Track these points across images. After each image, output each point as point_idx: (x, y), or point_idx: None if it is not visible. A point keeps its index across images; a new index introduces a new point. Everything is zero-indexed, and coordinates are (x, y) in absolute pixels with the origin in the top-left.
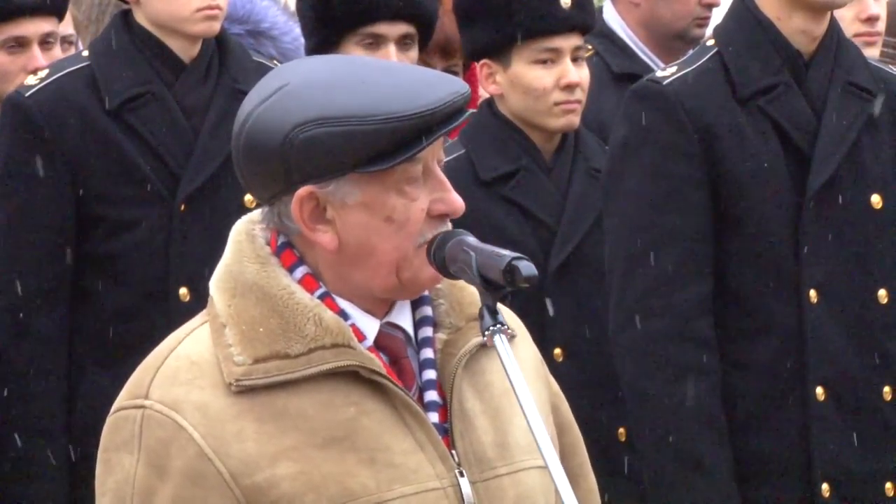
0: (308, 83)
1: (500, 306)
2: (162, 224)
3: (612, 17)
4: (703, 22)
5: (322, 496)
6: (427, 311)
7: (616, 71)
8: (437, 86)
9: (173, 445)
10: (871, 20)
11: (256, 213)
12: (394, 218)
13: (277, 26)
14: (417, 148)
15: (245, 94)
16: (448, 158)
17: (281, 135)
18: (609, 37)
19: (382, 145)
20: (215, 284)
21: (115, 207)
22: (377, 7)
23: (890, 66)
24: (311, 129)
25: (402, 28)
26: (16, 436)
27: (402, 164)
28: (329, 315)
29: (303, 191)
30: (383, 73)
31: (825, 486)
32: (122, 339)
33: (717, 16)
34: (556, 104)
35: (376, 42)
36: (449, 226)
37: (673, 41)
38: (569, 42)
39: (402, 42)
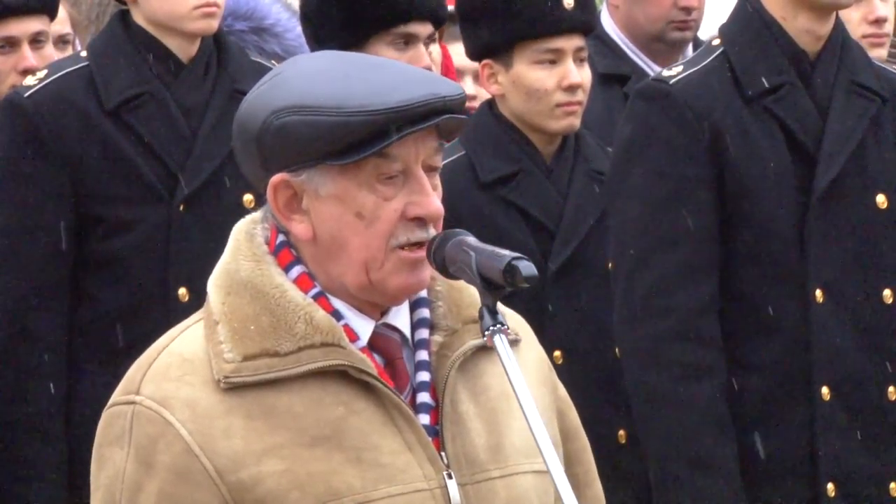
0: (298, 73)
1: (507, 310)
2: (161, 224)
3: (606, 18)
4: (681, 25)
5: (307, 494)
6: (424, 312)
7: (601, 71)
8: (418, 85)
9: (161, 441)
10: (879, 22)
11: (258, 213)
12: (364, 214)
13: (281, 23)
14: (382, 144)
15: (243, 94)
16: (448, 160)
17: (260, 120)
18: (600, 37)
19: (350, 138)
20: (212, 282)
21: (114, 208)
22: (415, 6)
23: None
24: (285, 115)
25: (429, 28)
26: (15, 436)
27: (373, 161)
28: (321, 314)
29: (276, 178)
30: (373, 70)
31: (830, 486)
32: (121, 339)
33: (722, 16)
34: (558, 105)
35: (408, 42)
36: (431, 231)
37: (652, 43)
38: (571, 43)
39: (425, 42)
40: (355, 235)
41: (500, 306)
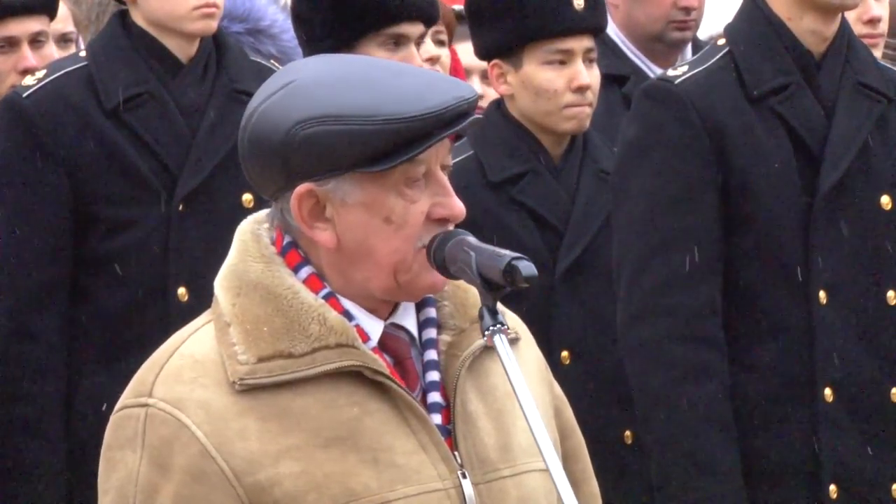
0: (315, 80)
1: (503, 309)
2: (160, 224)
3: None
4: (681, 25)
5: (324, 495)
6: (431, 312)
7: (601, 71)
8: (442, 89)
9: (176, 443)
10: (873, 22)
11: (262, 213)
12: (392, 219)
13: (277, 24)
14: (418, 150)
15: (242, 93)
16: (457, 159)
17: (283, 130)
18: (600, 37)
19: (383, 146)
20: (220, 284)
21: (113, 207)
22: (406, 6)
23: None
24: (313, 125)
25: (420, 28)
26: (14, 436)
27: (402, 166)
28: (333, 315)
29: (302, 188)
30: (391, 74)
31: (833, 488)
32: (120, 338)
33: (721, 16)
34: (567, 106)
35: (399, 42)
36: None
37: (652, 43)
38: (581, 43)
39: (416, 43)
40: (384, 241)
41: (500, 306)
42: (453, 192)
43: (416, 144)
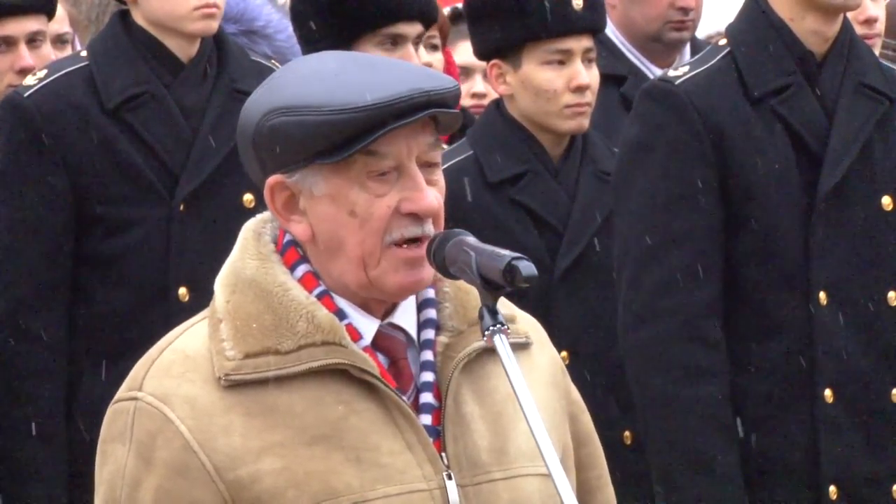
0: (293, 75)
1: (521, 313)
2: (161, 224)
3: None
4: (678, 25)
5: (304, 493)
6: (431, 313)
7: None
8: (403, 80)
9: (160, 437)
10: (869, 22)
11: (268, 212)
12: (356, 212)
13: (272, 25)
14: (367, 140)
15: (243, 93)
16: (456, 159)
17: (253, 122)
18: (598, 37)
19: (336, 137)
20: (219, 281)
21: (114, 207)
22: (403, 6)
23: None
24: (274, 117)
25: (418, 28)
26: (15, 437)
27: (361, 158)
28: (323, 313)
29: (272, 179)
30: (360, 67)
31: (833, 489)
32: (121, 339)
33: (720, 16)
34: (567, 106)
35: (396, 42)
36: (427, 227)
37: (649, 43)
38: (580, 43)
39: (415, 42)
40: (350, 234)
41: (515, 309)
42: (425, 188)
43: (365, 136)
